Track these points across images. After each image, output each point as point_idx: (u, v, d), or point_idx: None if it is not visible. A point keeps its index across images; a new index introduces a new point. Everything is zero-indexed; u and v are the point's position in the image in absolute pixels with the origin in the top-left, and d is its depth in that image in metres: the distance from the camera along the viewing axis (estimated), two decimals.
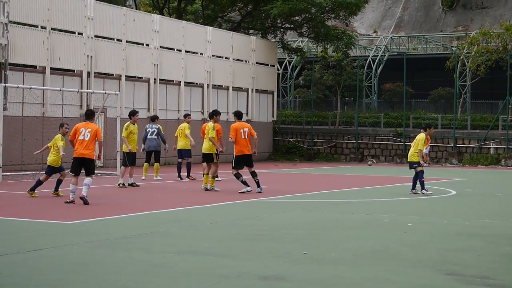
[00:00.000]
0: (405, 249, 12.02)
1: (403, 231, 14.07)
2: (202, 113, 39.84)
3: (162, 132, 26.61)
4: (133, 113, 23.93)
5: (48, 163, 19.64)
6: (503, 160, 42.60)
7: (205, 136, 22.97)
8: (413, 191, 22.45)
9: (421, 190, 22.18)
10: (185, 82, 39.22)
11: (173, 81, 38.84)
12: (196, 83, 40.53)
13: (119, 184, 23.03)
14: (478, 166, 42.22)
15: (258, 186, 21.68)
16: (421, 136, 22.55)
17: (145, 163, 26.56)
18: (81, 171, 18.23)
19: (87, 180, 17.78)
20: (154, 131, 26.04)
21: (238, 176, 21.68)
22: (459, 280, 9.60)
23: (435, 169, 38.63)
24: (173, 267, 10.19)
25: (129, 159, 22.92)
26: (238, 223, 15.17)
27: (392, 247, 12.23)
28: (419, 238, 13.21)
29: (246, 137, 22.06)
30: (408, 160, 22.93)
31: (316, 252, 11.56)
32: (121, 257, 10.90)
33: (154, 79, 37.08)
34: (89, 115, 18.65)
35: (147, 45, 36.90)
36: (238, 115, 22.48)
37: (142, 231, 13.54)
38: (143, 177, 25.98)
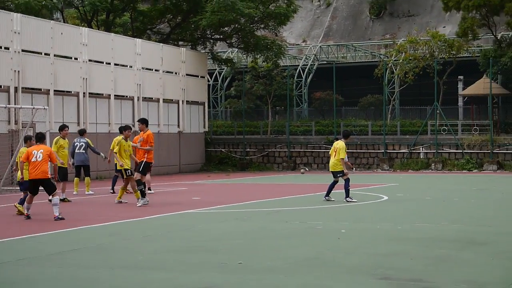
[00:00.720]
0: (340, 255, 12.09)
1: (337, 237, 14.16)
2: (133, 125, 39.55)
3: (92, 145, 26.31)
4: (62, 128, 23.64)
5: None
6: (432, 164, 43.24)
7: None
8: (327, 197, 22.25)
9: (346, 198, 21.99)
10: (115, 95, 38.89)
11: (103, 94, 38.50)
12: (126, 96, 40.24)
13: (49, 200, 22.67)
14: (409, 171, 42.77)
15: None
16: (341, 144, 22.13)
17: (75, 178, 26.25)
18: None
19: (54, 199, 17.84)
20: (82, 145, 25.73)
21: (139, 183, 21.27)
22: (393, 284, 9.69)
23: (367, 175, 39.00)
24: (106, 282, 10.07)
25: (60, 174, 22.50)
26: (172, 235, 15.07)
27: (326, 254, 12.30)
28: (353, 244, 13.30)
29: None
30: (331, 170, 22.45)
31: (252, 261, 11.55)
32: (54, 273, 10.73)
33: (84, 92, 36.68)
34: (40, 138, 18.69)
35: (76, 58, 36.50)
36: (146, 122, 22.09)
37: (74, 247, 13.36)
38: (74, 192, 25.68)
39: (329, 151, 23.63)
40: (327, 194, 22.40)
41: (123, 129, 23.25)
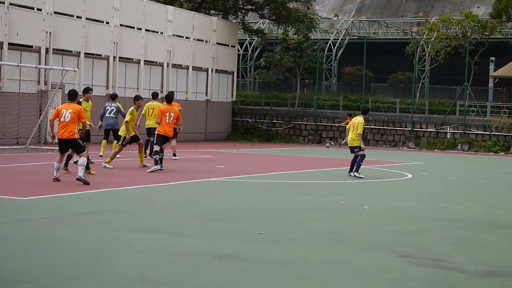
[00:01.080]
0: (361, 231, 12.10)
1: (359, 213, 14.17)
2: (161, 91, 39.64)
3: (122, 110, 26.37)
4: (86, 90, 23.64)
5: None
6: (459, 144, 43.05)
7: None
8: (351, 173, 22.04)
9: (354, 171, 21.82)
10: (144, 60, 39.00)
11: (132, 59, 38.60)
12: (156, 62, 40.33)
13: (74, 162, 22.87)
14: (435, 150, 42.61)
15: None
16: (360, 119, 21.98)
17: (103, 140, 26.38)
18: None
19: (81, 160, 17.46)
20: (113, 109, 25.75)
21: (157, 153, 21.35)
22: (412, 262, 9.70)
23: (392, 152, 38.91)
24: (129, 245, 10.16)
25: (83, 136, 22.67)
26: (194, 202, 15.15)
27: (347, 228, 12.32)
28: (374, 221, 13.31)
29: (170, 121, 21.66)
30: (349, 144, 22.21)
31: (272, 232, 11.60)
32: (77, 233, 10.84)
33: (114, 57, 36.81)
34: (72, 95, 18.11)
35: (107, 22, 36.61)
36: (168, 98, 22.15)
37: (98, 209, 13.48)
38: (100, 154, 25.81)
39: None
40: (351, 170, 22.20)
41: (135, 99, 23.47)
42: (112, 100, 26.19)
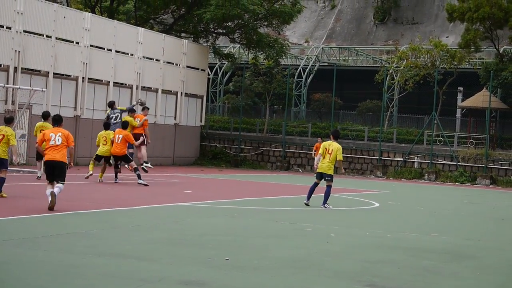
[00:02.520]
0: (327, 259, 12.08)
1: (325, 241, 14.15)
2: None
3: (125, 109, 27.71)
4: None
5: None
6: (426, 174, 43.26)
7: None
8: (322, 206, 20.75)
9: (324, 204, 20.70)
10: (114, 82, 38.84)
11: (102, 80, 38.44)
12: (126, 84, 40.19)
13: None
14: (402, 180, 42.79)
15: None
16: (337, 145, 20.62)
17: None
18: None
19: (59, 187, 16.65)
20: (117, 115, 26.47)
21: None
22: None
23: (360, 181, 39.02)
24: (93, 269, 10.05)
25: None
26: (161, 227, 15.05)
27: (314, 256, 12.29)
28: (341, 249, 13.30)
29: (119, 141, 24.72)
30: (322, 171, 20.74)
31: (239, 259, 11.54)
32: (41, 257, 10.70)
33: (83, 77, 36.62)
34: (57, 120, 17.66)
35: (77, 43, 36.46)
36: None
37: (63, 231, 13.35)
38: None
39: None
40: (309, 198, 21.13)
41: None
42: (111, 108, 26.62)
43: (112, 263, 10.58)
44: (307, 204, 21.01)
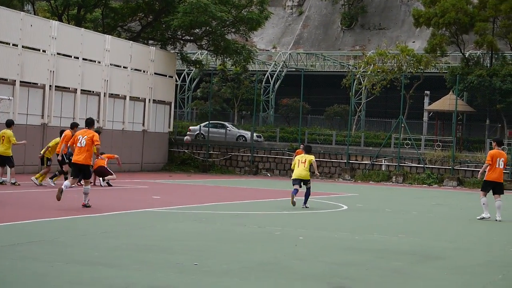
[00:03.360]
0: (296, 262, 12.11)
1: (294, 244, 14.18)
2: (98, 121, 39.32)
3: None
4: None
5: None
6: (394, 177, 43.49)
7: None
8: (304, 205, 22.57)
9: (305, 204, 22.62)
10: (81, 89, 38.66)
11: (69, 88, 38.25)
12: (93, 91, 40.01)
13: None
14: (370, 182, 42.97)
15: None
16: (311, 157, 23.22)
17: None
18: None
19: (87, 187, 19.14)
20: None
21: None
22: None
23: (328, 184, 39.13)
24: (60, 276, 10.00)
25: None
26: (129, 233, 15.00)
27: (283, 260, 12.31)
28: (309, 252, 13.34)
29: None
30: (302, 178, 22.71)
31: (207, 263, 11.54)
32: (7, 266, 10.62)
33: (50, 85, 36.42)
34: (89, 123, 19.47)
35: (44, 51, 36.24)
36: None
37: (30, 239, 13.25)
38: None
39: (292, 158, 23.88)
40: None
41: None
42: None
43: (79, 270, 10.52)
44: (307, 207, 22.60)
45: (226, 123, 50.62)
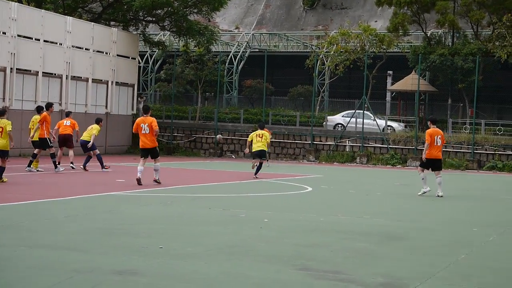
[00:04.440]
0: (261, 244, 12.12)
1: (259, 226, 14.19)
2: (60, 104, 38.98)
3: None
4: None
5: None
6: (358, 158, 43.67)
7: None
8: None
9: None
10: (43, 72, 38.29)
11: (30, 71, 37.86)
12: (55, 74, 39.65)
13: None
14: (334, 163, 43.13)
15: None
16: (267, 133, 27.66)
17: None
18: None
19: (157, 164, 22.50)
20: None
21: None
22: (312, 275, 9.76)
23: (292, 166, 39.22)
24: (23, 261, 9.92)
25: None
26: (94, 217, 14.91)
27: (248, 242, 12.32)
28: (274, 234, 13.35)
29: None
30: (261, 148, 27.22)
31: (173, 246, 11.51)
32: None
33: (11, 68, 36.03)
34: (146, 109, 22.56)
35: (4, 33, 35.81)
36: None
37: None
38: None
39: None
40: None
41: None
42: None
43: (44, 254, 10.46)
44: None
45: (368, 113, 45.61)
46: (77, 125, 28.55)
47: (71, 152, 27.93)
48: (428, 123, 22.99)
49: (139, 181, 21.57)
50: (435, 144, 22.03)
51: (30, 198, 17.66)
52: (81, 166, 27.68)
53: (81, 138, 28.59)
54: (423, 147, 23.25)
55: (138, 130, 22.16)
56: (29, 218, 14.24)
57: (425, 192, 22.09)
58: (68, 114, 29.28)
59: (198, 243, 11.94)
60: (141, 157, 22.40)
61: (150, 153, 22.22)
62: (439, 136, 22.19)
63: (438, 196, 21.85)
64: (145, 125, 21.94)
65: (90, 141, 28.21)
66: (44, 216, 14.64)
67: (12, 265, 9.62)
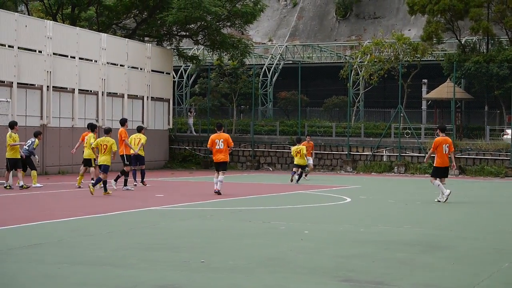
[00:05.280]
0: (302, 256, 12.09)
1: (299, 238, 14.16)
2: (97, 120, 39.28)
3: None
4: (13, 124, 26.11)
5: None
6: (395, 167, 43.46)
7: (85, 144, 25.92)
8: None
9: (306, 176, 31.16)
10: (79, 89, 38.62)
11: (67, 88, 38.21)
12: (91, 91, 39.98)
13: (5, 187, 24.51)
14: (372, 174, 42.95)
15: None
16: (303, 147, 31.44)
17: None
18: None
19: (222, 176, 23.86)
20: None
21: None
22: (354, 286, 9.72)
23: (330, 177, 39.11)
24: (67, 278, 9.98)
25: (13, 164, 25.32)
26: (135, 232, 14.98)
27: (289, 254, 12.29)
28: (315, 245, 13.32)
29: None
30: (302, 164, 31.33)
31: (214, 260, 11.52)
32: (13, 269, 10.60)
33: (47, 86, 36.39)
34: (219, 127, 24.31)
35: (40, 51, 36.19)
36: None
37: (35, 242, 13.23)
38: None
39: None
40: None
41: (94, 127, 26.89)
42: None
43: (86, 271, 10.51)
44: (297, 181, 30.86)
45: None
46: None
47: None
48: (438, 131, 23.24)
49: (218, 192, 23.61)
50: (444, 152, 22.69)
51: (71, 215, 17.76)
52: (141, 183, 28.03)
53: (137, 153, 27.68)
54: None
55: (212, 145, 23.76)
56: (71, 235, 14.32)
57: (448, 196, 22.47)
58: (140, 129, 29.10)
59: (239, 256, 11.94)
60: (216, 171, 23.99)
61: (221, 166, 23.79)
62: (447, 144, 22.85)
63: (439, 201, 22.61)
64: (220, 141, 23.67)
65: (143, 155, 28.09)
66: (86, 233, 14.72)
67: (55, 283, 9.68)
